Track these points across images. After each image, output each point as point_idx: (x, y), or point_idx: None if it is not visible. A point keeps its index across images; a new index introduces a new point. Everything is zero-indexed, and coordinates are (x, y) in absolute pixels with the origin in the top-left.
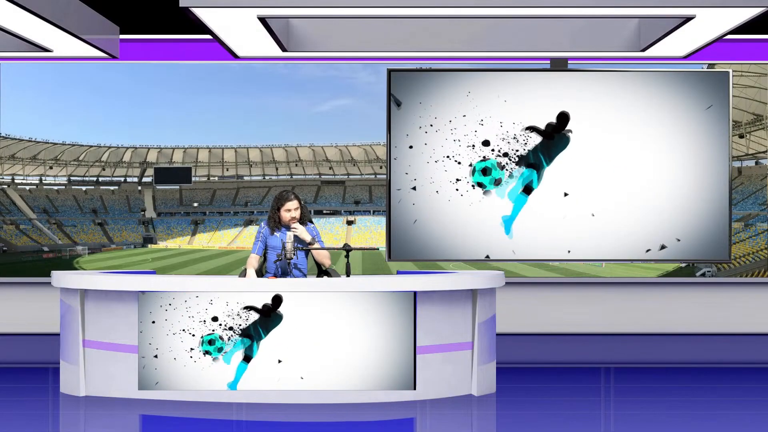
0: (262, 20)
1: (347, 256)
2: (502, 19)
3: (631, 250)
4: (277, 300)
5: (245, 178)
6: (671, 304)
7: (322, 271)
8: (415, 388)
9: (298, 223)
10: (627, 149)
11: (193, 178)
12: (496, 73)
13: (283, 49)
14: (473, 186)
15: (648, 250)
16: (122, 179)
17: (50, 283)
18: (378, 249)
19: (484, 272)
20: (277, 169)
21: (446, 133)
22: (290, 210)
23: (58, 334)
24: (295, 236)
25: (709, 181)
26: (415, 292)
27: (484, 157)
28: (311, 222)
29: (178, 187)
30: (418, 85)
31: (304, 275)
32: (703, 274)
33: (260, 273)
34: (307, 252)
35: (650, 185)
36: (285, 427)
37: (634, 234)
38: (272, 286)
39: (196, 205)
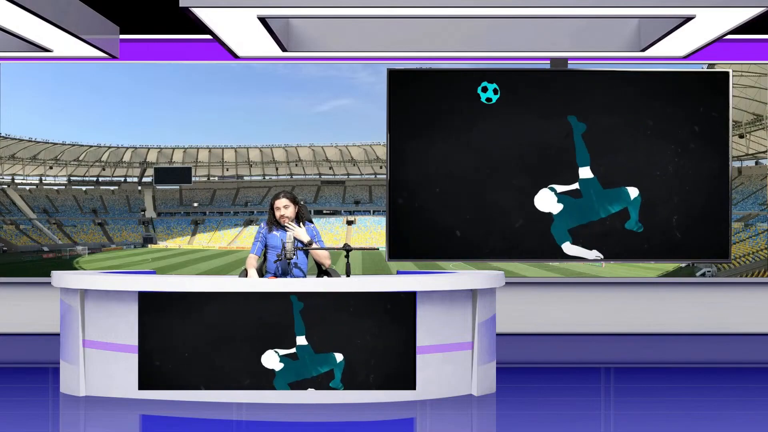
0: (262, 20)
1: (347, 256)
2: (502, 19)
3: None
4: None
5: (245, 178)
6: (671, 304)
7: (322, 271)
8: (415, 388)
9: (293, 223)
10: (627, 149)
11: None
12: (495, 74)
13: (283, 49)
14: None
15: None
16: (122, 179)
17: (50, 283)
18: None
19: (484, 272)
20: (277, 169)
21: (447, 133)
22: (279, 208)
23: (58, 334)
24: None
25: (709, 181)
26: (415, 292)
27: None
28: (311, 222)
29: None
30: (417, 85)
31: (304, 275)
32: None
33: (260, 273)
34: (307, 252)
35: (650, 185)
36: (285, 427)
37: (634, 233)
38: (273, 286)
39: (196, 205)
